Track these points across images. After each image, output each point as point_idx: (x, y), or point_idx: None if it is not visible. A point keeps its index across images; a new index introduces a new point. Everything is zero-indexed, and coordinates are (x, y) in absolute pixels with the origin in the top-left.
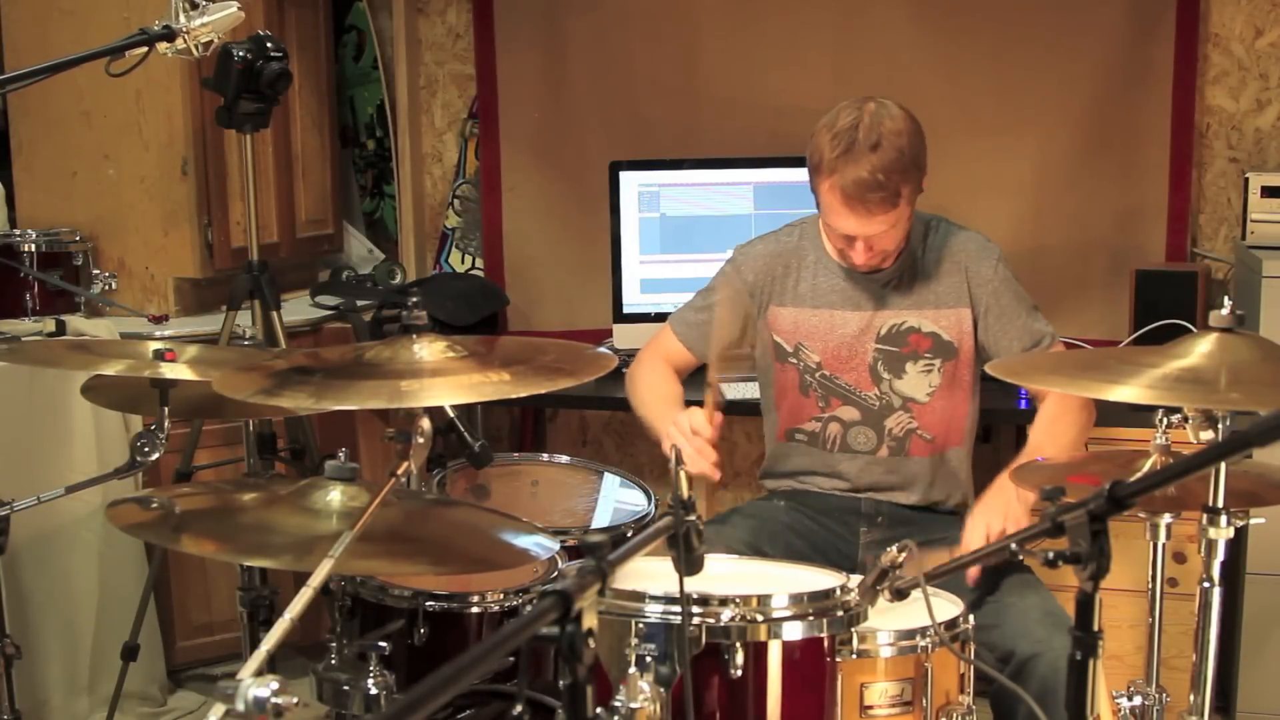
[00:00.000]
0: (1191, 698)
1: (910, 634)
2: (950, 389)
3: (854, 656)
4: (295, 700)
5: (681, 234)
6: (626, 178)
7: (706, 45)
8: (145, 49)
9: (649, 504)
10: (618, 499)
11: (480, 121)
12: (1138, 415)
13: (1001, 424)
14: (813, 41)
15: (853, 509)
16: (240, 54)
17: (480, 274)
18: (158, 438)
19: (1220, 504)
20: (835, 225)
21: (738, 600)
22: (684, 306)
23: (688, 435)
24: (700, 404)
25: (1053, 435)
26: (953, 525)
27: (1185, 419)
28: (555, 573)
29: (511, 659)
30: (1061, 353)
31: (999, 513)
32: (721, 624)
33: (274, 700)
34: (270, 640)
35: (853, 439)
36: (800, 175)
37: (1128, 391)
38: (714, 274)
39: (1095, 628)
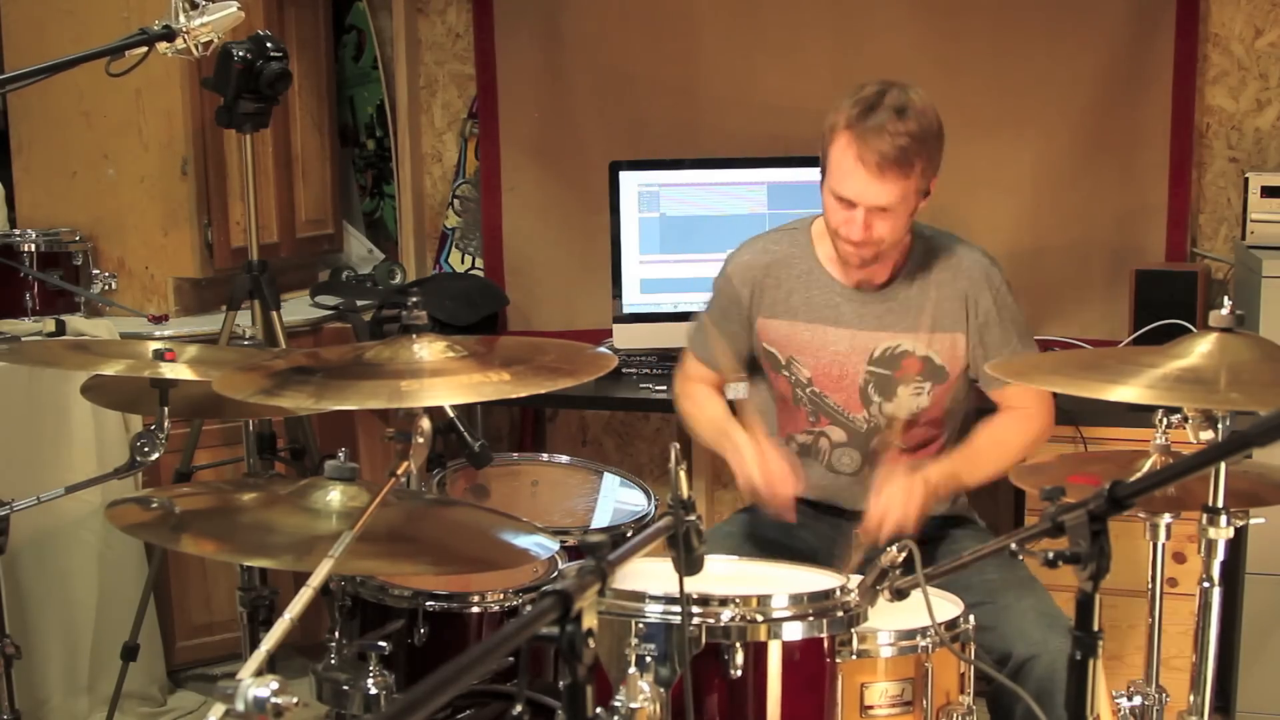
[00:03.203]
0: (1191, 698)
1: (910, 634)
2: (939, 412)
3: (854, 657)
4: (295, 700)
5: (681, 234)
6: (626, 178)
7: (706, 45)
8: (145, 49)
9: (649, 504)
10: (618, 499)
11: (480, 121)
12: (1138, 415)
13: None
14: (812, 41)
15: (847, 515)
16: (240, 54)
17: (480, 274)
18: (157, 438)
19: (1220, 504)
20: (841, 188)
21: (738, 600)
22: (694, 329)
23: (770, 478)
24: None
25: (998, 441)
26: (948, 528)
27: (1185, 419)
28: (555, 573)
29: (511, 659)
30: (1062, 353)
31: (900, 501)
32: (721, 624)
33: (274, 700)
34: (270, 640)
35: (837, 460)
36: (804, 175)
37: (1128, 391)
38: (714, 283)
39: (1095, 628)
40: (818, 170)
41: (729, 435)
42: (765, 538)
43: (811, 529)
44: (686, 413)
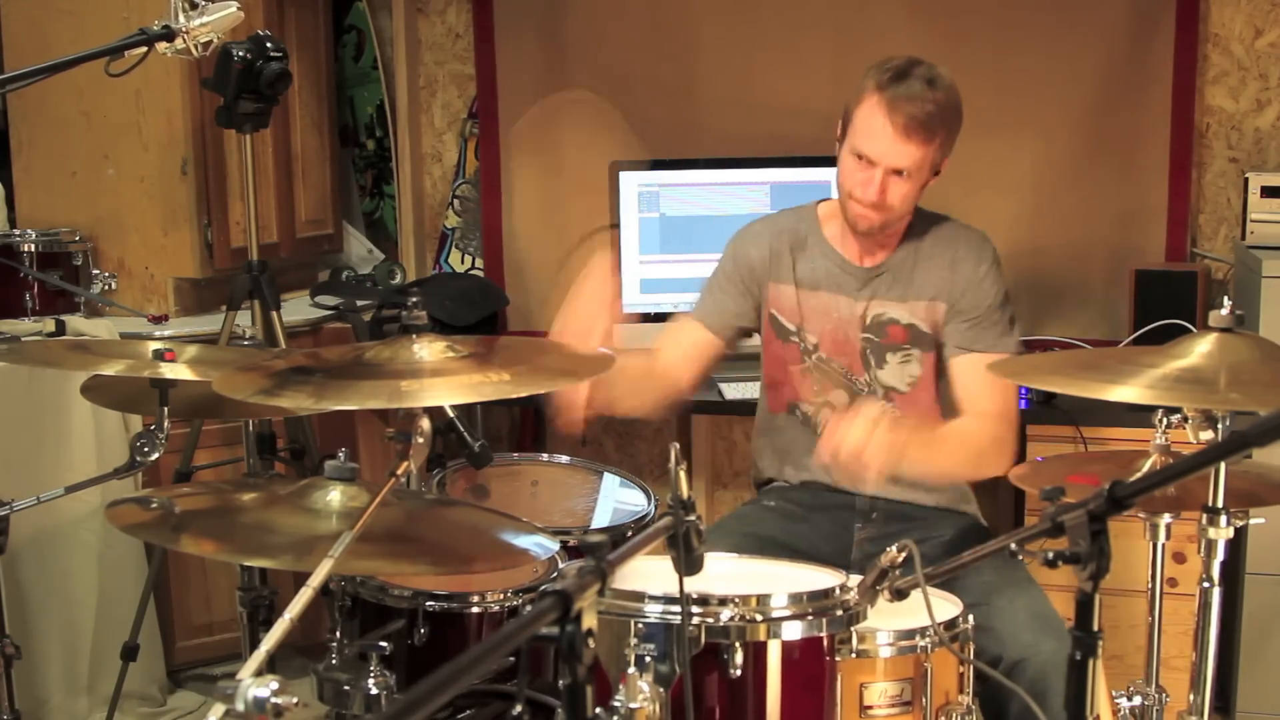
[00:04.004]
0: (1191, 698)
1: (910, 634)
2: (933, 379)
3: (853, 656)
4: (295, 700)
5: (681, 234)
6: (626, 178)
7: (706, 45)
8: (145, 49)
9: (649, 504)
10: (618, 499)
11: (480, 121)
12: (1137, 415)
13: None
14: (813, 41)
15: (847, 505)
16: (240, 54)
17: (480, 274)
18: (157, 438)
19: (1220, 504)
20: (865, 146)
21: (737, 600)
22: (695, 302)
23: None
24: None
25: (956, 438)
26: (949, 521)
27: (1185, 419)
28: (555, 573)
29: (511, 659)
30: (1062, 353)
31: (856, 437)
32: (721, 624)
33: (274, 700)
34: (270, 640)
35: None
36: (806, 175)
37: (1128, 391)
38: (719, 261)
39: (1095, 628)
40: (819, 170)
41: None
42: (765, 535)
43: (812, 523)
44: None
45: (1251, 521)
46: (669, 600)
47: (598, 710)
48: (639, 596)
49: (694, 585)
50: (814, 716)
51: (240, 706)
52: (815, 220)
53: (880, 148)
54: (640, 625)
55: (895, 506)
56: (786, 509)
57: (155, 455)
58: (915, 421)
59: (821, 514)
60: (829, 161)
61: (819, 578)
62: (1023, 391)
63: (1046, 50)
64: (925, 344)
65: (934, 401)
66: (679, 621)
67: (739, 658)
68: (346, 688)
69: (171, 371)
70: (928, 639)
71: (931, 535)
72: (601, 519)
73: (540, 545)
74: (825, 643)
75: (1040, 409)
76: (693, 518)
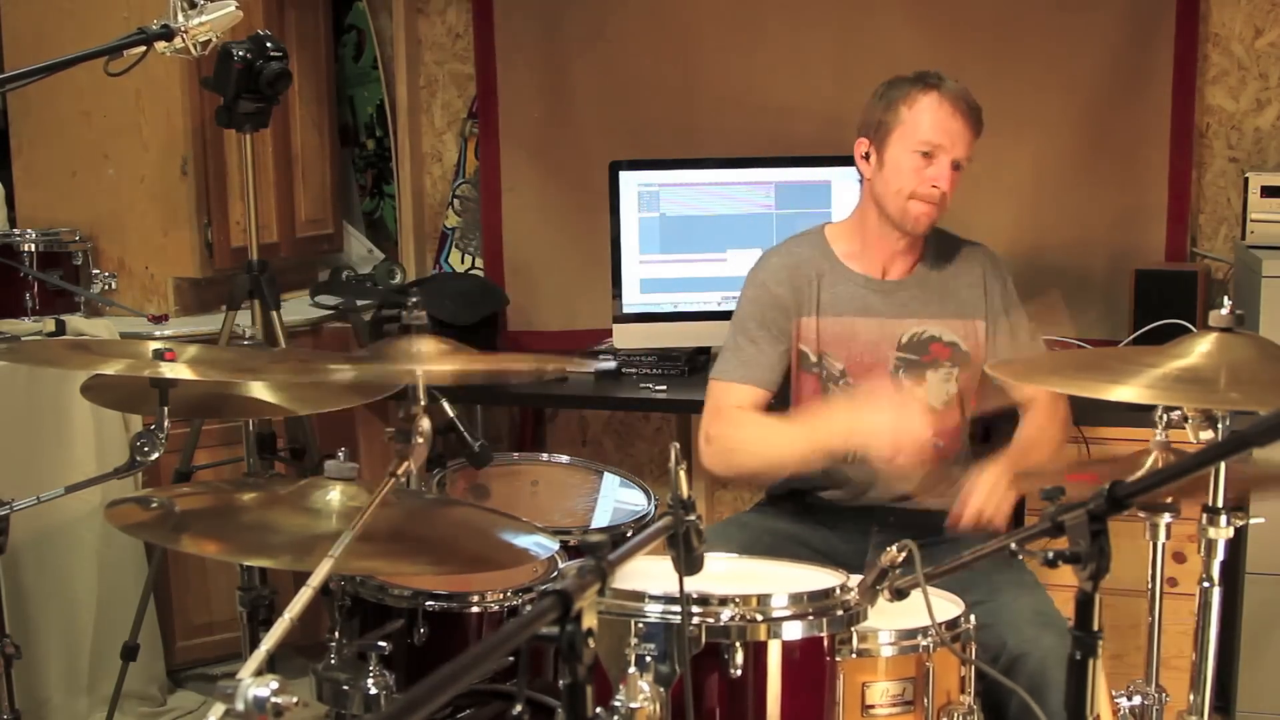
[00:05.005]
0: (1191, 698)
1: (911, 634)
2: (961, 397)
3: (854, 656)
4: (295, 700)
5: (681, 234)
6: (626, 178)
7: (706, 45)
8: (144, 48)
9: (649, 504)
10: (617, 499)
11: (480, 121)
12: (1138, 415)
13: (1001, 424)
14: (813, 42)
15: (864, 509)
16: (240, 54)
17: (480, 274)
18: (157, 437)
19: (1220, 504)
20: (935, 135)
21: (737, 600)
22: (725, 359)
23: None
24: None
25: (1044, 439)
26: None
27: (1185, 419)
28: (555, 573)
29: (511, 659)
30: (1061, 353)
31: (994, 500)
32: (721, 624)
33: (274, 700)
34: (270, 640)
35: None
36: (807, 175)
37: (1128, 391)
38: (741, 303)
39: (1095, 628)
40: (820, 170)
41: (827, 425)
42: (782, 532)
43: (831, 529)
44: (749, 451)
45: (1251, 521)
46: (669, 600)
47: (598, 710)
48: (639, 596)
49: (694, 585)
50: (814, 716)
51: (240, 706)
52: (825, 243)
53: (951, 135)
54: (640, 625)
55: (911, 513)
56: (803, 510)
57: (155, 455)
58: (1010, 453)
59: (838, 517)
60: (830, 161)
61: (819, 578)
62: None
63: (1046, 50)
64: (964, 363)
65: (961, 420)
66: (679, 621)
67: (739, 658)
68: (346, 688)
69: (171, 371)
70: (929, 639)
71: (945, 537)
72: (601, 519)
73: (540, 545)
74: (826, 643)
75: None
76: (693, 517)
